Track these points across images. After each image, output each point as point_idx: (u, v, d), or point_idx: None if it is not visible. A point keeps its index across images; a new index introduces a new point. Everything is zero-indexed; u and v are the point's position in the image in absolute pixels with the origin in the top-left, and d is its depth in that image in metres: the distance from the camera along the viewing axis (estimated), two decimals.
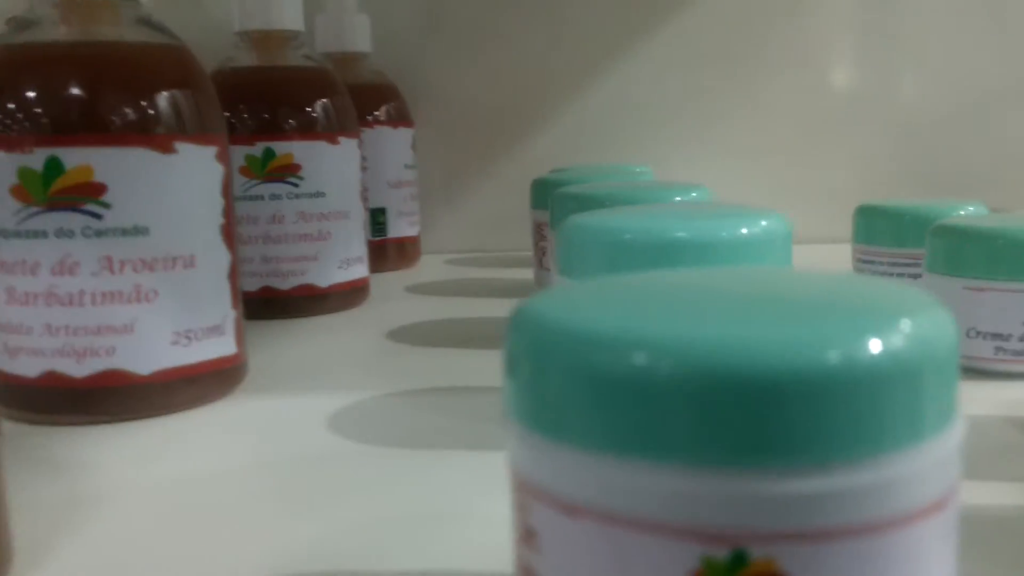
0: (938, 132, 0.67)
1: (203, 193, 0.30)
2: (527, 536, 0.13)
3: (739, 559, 0.11)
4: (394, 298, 0.51)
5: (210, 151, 0.30)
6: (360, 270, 0.48)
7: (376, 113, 0.59)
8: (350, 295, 0.47)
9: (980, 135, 0.67)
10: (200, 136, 0.30)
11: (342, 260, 0.46)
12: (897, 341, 0.11)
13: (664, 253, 0.24)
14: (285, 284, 0.45)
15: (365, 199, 0.58)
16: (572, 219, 0.26)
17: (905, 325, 0.12)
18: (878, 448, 0.11)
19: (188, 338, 0.30)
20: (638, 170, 0.58)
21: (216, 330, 0.30)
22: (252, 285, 0.44)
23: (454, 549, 0.20)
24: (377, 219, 0.60)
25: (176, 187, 0.29)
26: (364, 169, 0.58)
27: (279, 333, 0.42)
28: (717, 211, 0.27)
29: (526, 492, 0.13)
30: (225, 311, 0.31)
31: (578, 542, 0.12)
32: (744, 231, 0.25)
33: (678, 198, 0.36)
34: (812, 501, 0.11)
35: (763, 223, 0.25)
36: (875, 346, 0.11)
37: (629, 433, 0.11)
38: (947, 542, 0.12)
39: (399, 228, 0.61)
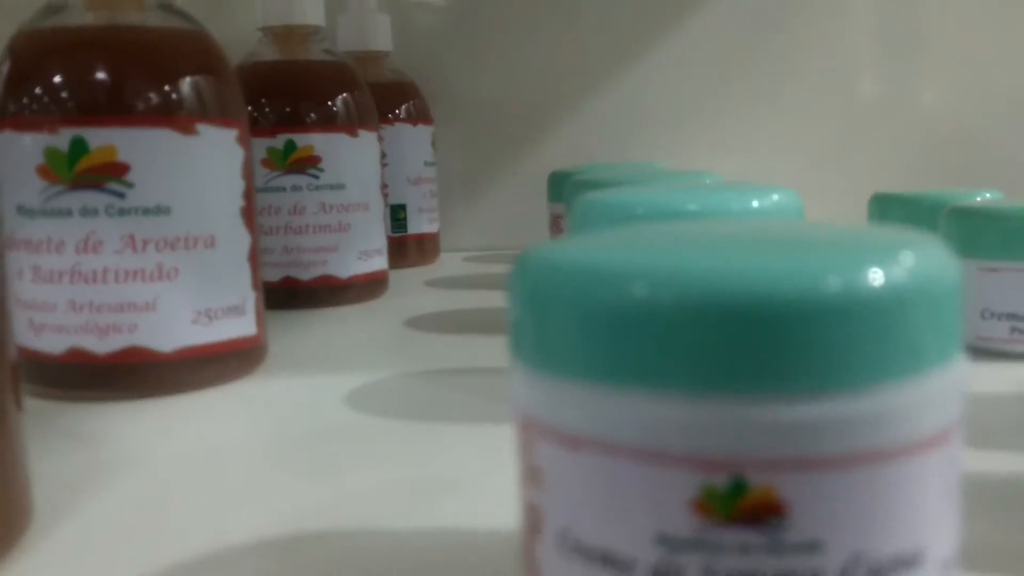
0: (960, 133, 0.67)
1: (224, 174, 0.30)
2: (531, 474, 0.13)
3: (738, 486, 0.11)
4: (413, 291, 0.51)
5: (231, 134, 0.31)
6: (379, 262, 0.48)
7: (396, 111, 0.60)
8: (369, 287, 0.47)
9: (1004, 137, 0.66)
10: (221, 119, 0.30)
11: (362, 252, 0.46)
12: (898, 272, 0.11)
13: None
14: (306, 275, 0.45)
15: (385, 194, 0.58)
16: (585, 195, 0.26)
17: (906, 257, 0.12)
18: (878, 377, 0.11)
19: (208, 317, 0.30)
20: (656, 167, 0.58)
21: (236, 310, 0.31)
22: (274, 276, 0.45)
23: (459, 513, 0.20)
24: (397, 215, 0.60)
25: (197, 168, 0.29)
26: (384, 165, 0.58)
27: (299, 322, 0.42)
28: (729, 187, 0.27)
29: (529, 429, 0.13)
30: (245, 292, 0.31)
31: (580, 475, 0.12)
32: (755, 204, 0.25)
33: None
34: (811, 429, 0.11)
35: (774, 197, 0.26)
36: (875, 275, 0.11)
37: (626, 363, 0.12)
38: (948, 478, 0.12)
39: (419, 224, 0.61)
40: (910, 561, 0.12)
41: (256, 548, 0.18)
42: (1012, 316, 0.30)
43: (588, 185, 0.35)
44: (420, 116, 0.61)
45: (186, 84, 0.30)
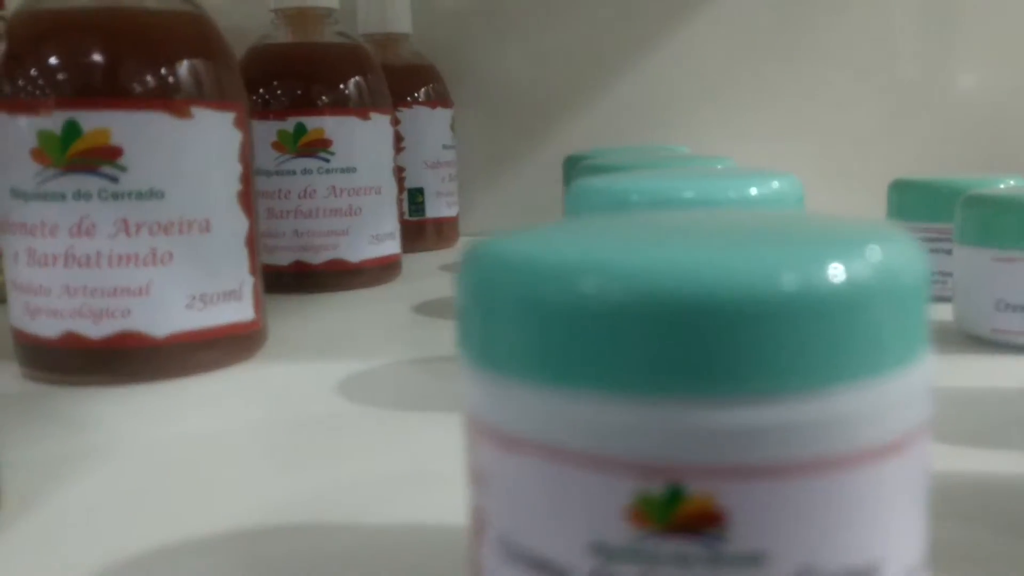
0: (998, 117, 0.65)
1: (220, 158, 0.30)
2: (476, 475, 0.13)
3: (675, 494, 0.11)
4: (427, 275, 0.51)
5: (228, 117, 0.30)
6: (392, 246, 0.48)
7: (415, 94, 0.59)
8: (381, 271, 0.47)
9: None
10: (217, 102, 0.30)
11: (373, 236, 0.46)
12: (849, 270, 0.11)
13: None
14: (316, 259, 0.45)
15: (401, 177, 0.58)
16: (581, 181, 0.26)
17: (861, 253, 0.11)
18: (827, 381, 0.11)
19: (203, 302, 0.30)
20: (676, 151, 0.57)
21: (232, 295, 0.31)
22: (284, 259, 0.45)
23: (434, 507, 0.20)
24: (415, 199, 0.60)
25: (192, 152, 0.29)
26: (402, 149, 0.58)
27: (307, 305, 0.42)
28: (727, 173, 0.26)
29: (474, 430, 0.13)
30: (242, 277, 0.31)
31: (520, 477, 0.12)
32: (753, 191, 0.24)
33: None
34: (753, 435, 0.10)
35: (774, 184, 0.25)
36: (824, 273, 0.11)
37: (562, 363, 0.11)
38: (910, 486, 0.11)
39: (437, 208, 0.61)
40: (865, 574, 0.11)
41: (223, 541, 0.18)
42: None
43: (592, 170, 0.35)
44: (439, 99, 0.60)
45: (181, 67, 0.29)
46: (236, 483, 0.21)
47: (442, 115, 0.61)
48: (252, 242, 0.31)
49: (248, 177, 0.31)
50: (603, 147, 0.61)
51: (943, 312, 0.33)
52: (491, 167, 0.69)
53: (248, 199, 0.31)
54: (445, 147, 0.61)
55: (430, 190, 0.60)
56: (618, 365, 0.11)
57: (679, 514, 0.11)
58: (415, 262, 0.55)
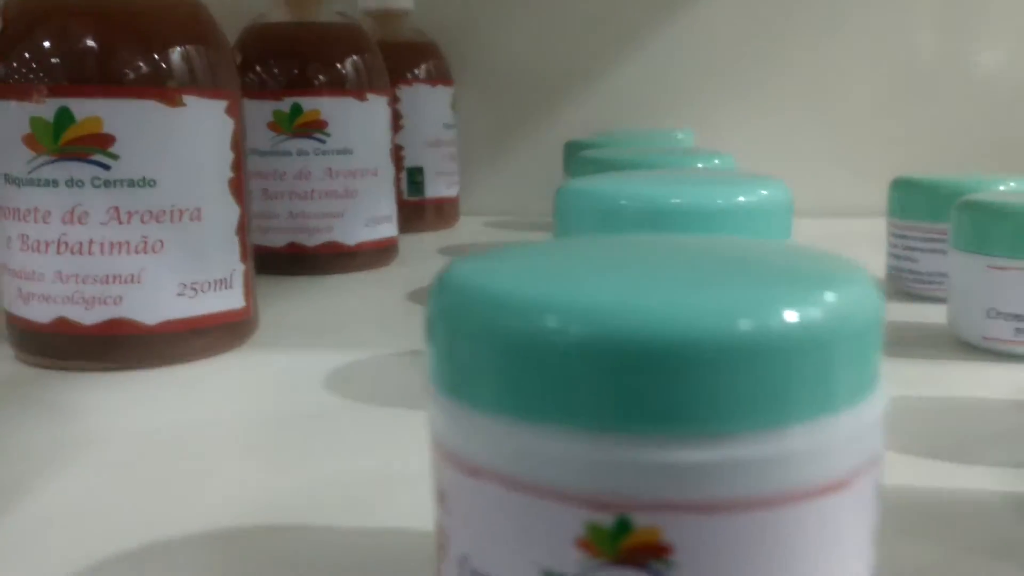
0: (1004, 105, 0.64)
1: (211, 147, 0.30)
2: (439, 496, 0.13)
3: (623, 526, 0.11)
4: (425, 259, 0.51)
5: (220, 105, 0.30)
6: (388, 229, 0.48)
7: (416, 71, 0.59)
8: (377, 254, 0.47)
9: None
10: (210, 90, 0.30)
11: (369, 218, 0.46)
12: (800, 314, 0.11)
13: (657, 219, 0.24)
14: (311, 241, 0.45)
15: (401, 158, 0.58)
16: (567, 184, 0.26)
17: (813, 298, 0.11)
18: (772, 422, 0.11)
19: (194, 290, 0.30)
20: (680, 136, 0.57)
21: (223, 283, 0.31)
22: (279, 241, 0.45)
23: (417, 505, 0.20)
24: (414, 178, 0.60)
25: (184, 140, 0.29)
26: (401, 128, 0.58)
27: (301, 289, 0.42)
28: (718, 179, 0.26)
29: (437, 453, 0.13)
30: (232, 265, 0.31)
31: (479, 503, 0.12)
32: (741, 199, 0.24)
33: (700, 165, 0.35)
34: (699, 471, 0.11)
35: (762, 192, 0.25)
36: (772, 317, 0.11)
37: (519, 397, 0.11)
38: (854, 524, 0.12)
39: (437, 188, 0.61)
40: None
41: (209, 531, 0.18)
42: (1018, 317, 0.29)
43: (587, 164, 0.35)
44: (440, 77, 0.60)
45: (173, 54, 0.29)
46: (217, 478, 0.22)
47: (443, 93, 0.60)
48: (243, 230, 0.32)
49: (240, 165, 0.31)
50: (606, 131, 0.61)
51: (939, 314, 0.34)
52: (493, 146, 0.69)
53: (240, 187, 0.31)
54: (446, 126, 0.61)
55: (430, 169, 0.60)
56: (572, 402, 0.11)
57: (626, 546, 0.11)
58: (414, 243, 0.55)
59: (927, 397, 0.26)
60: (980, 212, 0.30)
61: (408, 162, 0.59)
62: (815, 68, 0.65)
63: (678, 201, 0.24)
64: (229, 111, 0.31)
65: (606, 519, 0.11)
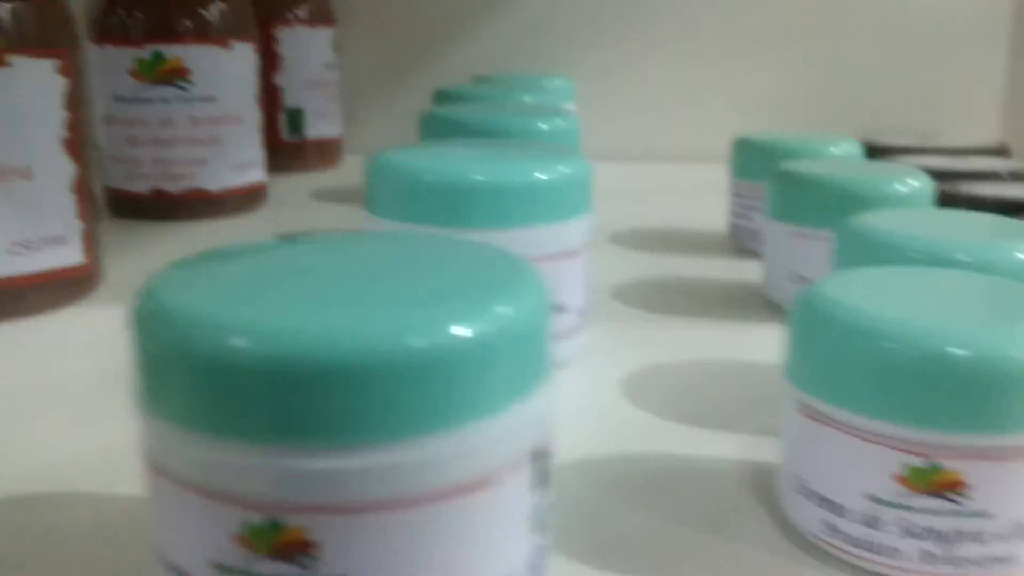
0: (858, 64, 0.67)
1: (41, 106, 0.30)
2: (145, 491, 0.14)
3: (274, 525, 0.12)
4: (294, 204, 0.51)
5: (49, 64, 0.30)
6: (256, 174, 0.48)
7: (296, 12, 0.59)
8: (244, 199, 0.48)
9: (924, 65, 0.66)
10: (38, 49, 0.30)
11: (235, 165, 0.47)
12: (434, 332, 0.12)
13: (456, 197, 0.25)
14: (176, 187, 0.45)
15: (279, 99, 0.58)
16: (376, 155, 0.27)
17: (455, 316, 0.13)
18: (403, 431, 0.12)
19: (26, 247, 0.31)
20: (557, 82, 0.58)
21: (58, 240, 0.31)
22: (143, 186, 0.45)
23: None
24: (295, 119, 0.60)
25: (10, 100, 0.29)
26: (279, 68, 0.58)
27: (163, 237, 0.43)
28: (525, 153, 0.28)
29: (139, 451, 0.14)
30: (68, 221, 0.32)
31: (161, 498, 0.13)
32: (538, 176, 0.26)
33: (542, 125, 0.36)
34: (338, 477, 0.12)
35: (561, 169, 0.26)
36: (403, 336, 0.12)
37: (183, 406, 0.13)
38: (500, 519, 0.13)
39: (318, 128, 0.61)
40: None
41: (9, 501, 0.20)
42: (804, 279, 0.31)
43: (433, 122, 0.36)
44: (320, 17, 0.60)
45: None
46: (34, 439, 0.23)
47: (323, 34, 0.60)
48: (81, 188, 0.32)
49: (76, 124, 0.32)
50: (482, 76, 0.61)
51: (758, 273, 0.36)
52: (380, 86, 0.69)
53: (76, 145, 0.32)
54: (327, 66, 0.61)
55: (311, 110, 0.60)
56: (227, 415, 0.12)
57: (277, 542, 0.12)
58: (287, 186, 0.55)
59: (716, 360, 0.28)
60: (789, 183, 0.32)
61: (288, 103, 0.59)
62: (692, 13, 0.67)
63: (479, 178, 0.26)
64: (62, 70, 0.31)
65: (259, 519, 0.12)
